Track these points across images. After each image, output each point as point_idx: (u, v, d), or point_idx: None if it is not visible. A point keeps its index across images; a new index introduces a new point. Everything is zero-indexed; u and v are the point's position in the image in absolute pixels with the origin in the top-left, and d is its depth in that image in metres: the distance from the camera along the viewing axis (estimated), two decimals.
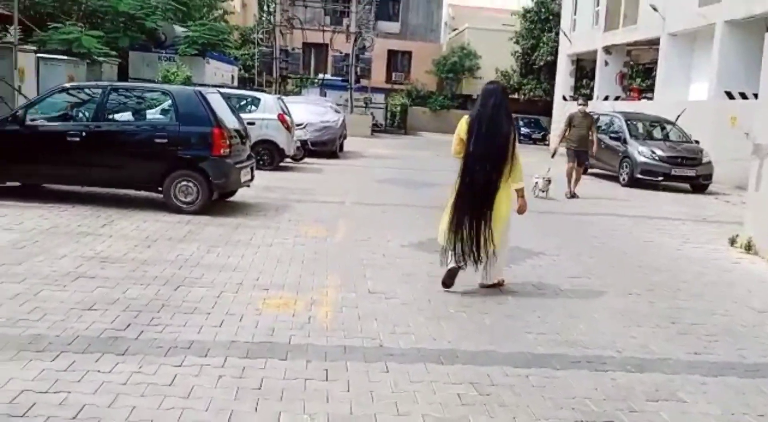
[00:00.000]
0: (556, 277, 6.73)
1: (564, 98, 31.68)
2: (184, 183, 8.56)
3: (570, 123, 13.27)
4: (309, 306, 5.16)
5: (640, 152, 16.04)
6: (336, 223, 8.70)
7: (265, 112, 14.42)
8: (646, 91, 29.49)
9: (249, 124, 14.10)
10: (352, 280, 6.00)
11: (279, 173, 13.97)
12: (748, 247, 8.72)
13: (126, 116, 9.20)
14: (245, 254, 6.67)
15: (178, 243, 6.93)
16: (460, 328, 4.94)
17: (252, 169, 9.60)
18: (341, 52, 35.78)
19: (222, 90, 14.88)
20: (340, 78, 35.68)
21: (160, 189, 8.70)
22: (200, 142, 8.61)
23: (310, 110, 18.70)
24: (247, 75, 39.35)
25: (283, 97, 17.37)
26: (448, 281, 5.92)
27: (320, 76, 38.79)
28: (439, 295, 5.77)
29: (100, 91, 9.05)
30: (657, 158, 15.81)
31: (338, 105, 33.61)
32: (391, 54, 47.36)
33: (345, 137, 21.09)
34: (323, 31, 36.73)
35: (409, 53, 47.79)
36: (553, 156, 13.46)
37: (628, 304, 5.95)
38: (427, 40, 48.48)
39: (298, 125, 16.58)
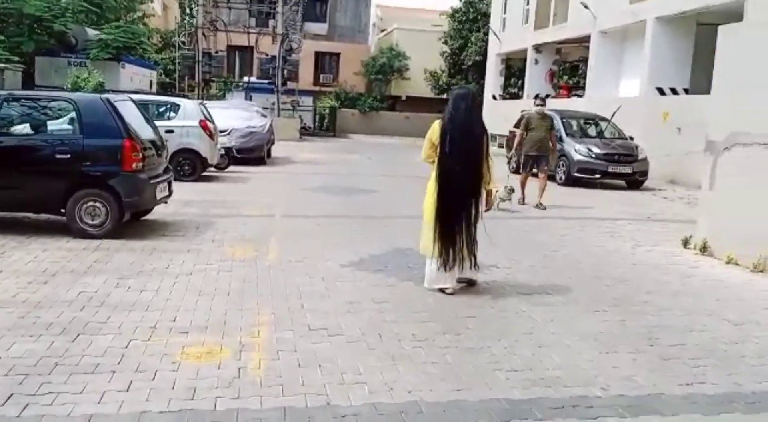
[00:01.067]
0: (514, 295, 6.07)
1: (494, 97, 31.55)
2: (90, 203, 7.52)
3: (527, 126, 11.82)
4: (238, 354, 4.31)
5: (577, 150, 15.73)
6: (266, 241, 7.83)
7: (186, 119, 13.37)
8: (575, 88, 29.64)
9: (168, 132, 13.10)
10: (288, 314, 5.17)
11: (202, 184, 12.95)
12: (704, 249, 8.31)
13: (24, 129, 8.06)
14: (161, 287, 5.74)
15: (81, 277, 5.93)
16: (419, 371, 4.18)
17: (170, 184, 8.62)
18: (267, 55, 34.65)
19: (137, 96, 13.84)
20: (266, 81, 34.53)
21: (63, 211, 7.63)
22: (109, 157, 7.57)
23: (235, 115, 17.65)
24: (168, 79, 37.73)
25: (206, 102, 16.29)
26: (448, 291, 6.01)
27: (246, 79, 37.50)
28: (389, 327, 5.00)
29: None
30: (594, 156, 15.53)
31: (265, 109, 32.65)
32: (319, 55, 46.41)
33: (273, 142, 20.08)
34: (248, 32, 35.47)
35: (338, 55, 46.95)
36: (514, 165, 12.83)
37: (598, 325, 5.34)
38: (355, 42, 47.79)
39: (221, 131, 15.54)
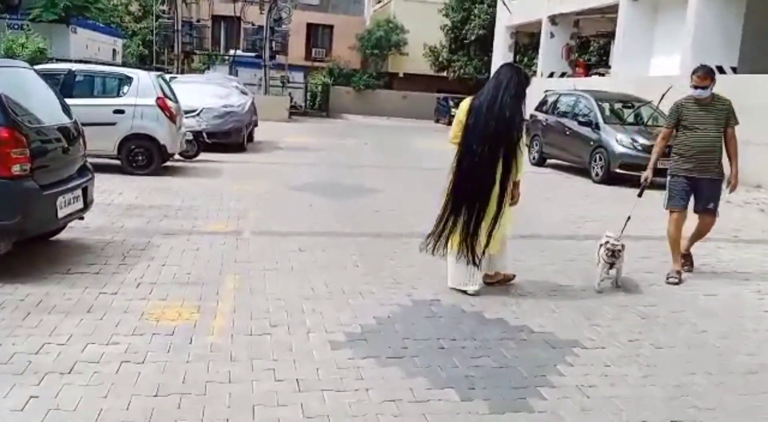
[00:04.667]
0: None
1: None
2: None
3: (677, 121, 6.22)
4: None
5: (619, 141, 13.06)
6: (218, 286, 5.17)
7: (139, 96, 10.60)
8: (593, 66, 26.94)
9: (116, 112, 10.46)
10: None
11: (158, 180, 10.24)
12: None
13: None
14: (6, 409, 3.11)
15: None
16: None
17: (86, 192, 5.93)
18: (254, 25, 31.70)
19: (77, 66, 11.11)
20: (253, 54, 31.63)
21: None
22: None
23: (208, 92, 14.92)
24: (147, 52, 34.77)
25: (168, 76, 13.53)
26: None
27: (231, 52, 34.52)
28: None
29: None
30: (640, 148, 12.87)
31: (252, 85, 29.81)
32: (311, 28, 43.42)
33: (255, 124, 17.36)
34: (234, 1, 32.46)
35: (331, 27, 43.94)
36: (641, 193, 6.36)
37: None
38: (350, 14, 44.82)
39: (189, 112, 12.83)
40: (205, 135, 13.06)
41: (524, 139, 5.33)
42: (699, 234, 6.51)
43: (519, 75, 5.28)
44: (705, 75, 6.01)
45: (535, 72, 25.30)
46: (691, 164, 6.11)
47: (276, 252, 6.30)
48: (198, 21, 31.84)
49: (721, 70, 16.52)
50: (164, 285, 5.11)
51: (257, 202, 8.95)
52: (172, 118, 10.81)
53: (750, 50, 16.81)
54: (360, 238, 7.16)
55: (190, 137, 12.34)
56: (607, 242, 5.58)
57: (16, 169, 4.95)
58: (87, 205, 6.00)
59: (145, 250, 6.10)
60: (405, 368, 3.86)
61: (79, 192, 5.79)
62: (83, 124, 10.18)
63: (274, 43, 31.00)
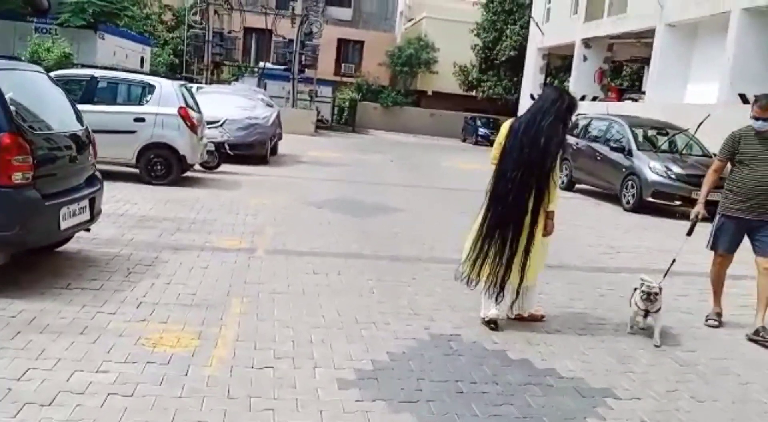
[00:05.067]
0: None
1: (532, 97, 28.32)
2: None
3: (732, 152, 5.48)
4: None
5: (652, 168, 12.59)
6: (223, 311, 4.84)
7: (161, 105, 10.40)
8: (626, 90, 26.45)
9: (137, 120, 10.27)
10: None
11: (176, 190, 10.00)
12: None
13: None
14: None
15: None
16: None
17: (93, 203, 5.65)
18: (285, 38, 31.70)
19: (100, 72, 10.97)
20: (282, 67, 31.59)
21: None
22: None
23: (232, 103, 14.71)
24: (177, 61, 34.90)
25: (193, 85, 13.36)
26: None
27: (261, 64, 34.52)
28: None
29: None
30: (674, 177, 12.39)
31: (279, 97, 29.73)
32: (342, 43, 43.46)
33: (280, 137, 17.15)
34: (266, 13, 32.50)
35: (361, 43, 43.95)
36: (690, 233, 5.53)
37: None
38: (380, 30, 44.77)
39: (211, 123, 12.63)
40: (227, 146, 12.83)
41: (558, 169, 4.90)
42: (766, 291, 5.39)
43: (562, 98, 4.92)
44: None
45: None
46: (746, 204, 5.38)
47: (288, 273, 5.97)
48: (229, 32, 31.88)
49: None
50: (166, 306, 4.80)
51: (274, 218, 8.65)
52: (193, 128, 10.59)
53: None
54: (378, 261, 6.81)
55: (212, 148, 12.12)
56: (642, 284, 5.03)
57: (17, 177, 4.68)
58: (93, 216, 5.73)
59: (152, 266, 5.81)
60: (419, 414, 3.48)
61: (85, 202, 5.52)
62: (103, 132, 10.04)
63: (303, 57, 30.96)
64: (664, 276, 5.20)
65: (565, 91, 5.16)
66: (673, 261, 5.36)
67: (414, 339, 4.57)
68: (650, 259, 8.29)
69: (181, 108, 10.46)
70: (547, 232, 4.98)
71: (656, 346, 4.87)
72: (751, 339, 5.29)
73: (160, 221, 7.75)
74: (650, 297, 4.96)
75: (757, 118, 5.34)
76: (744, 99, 16.01)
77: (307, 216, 9.03)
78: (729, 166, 5.59)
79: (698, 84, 18.39)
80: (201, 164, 11.96)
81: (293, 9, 31.22)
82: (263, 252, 6.72)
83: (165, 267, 5.80)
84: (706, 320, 5.62)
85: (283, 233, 7.73)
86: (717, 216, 5.60)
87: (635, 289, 5.10)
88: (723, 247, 5.56)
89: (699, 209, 5.49)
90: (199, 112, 11.33)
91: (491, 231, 4.90)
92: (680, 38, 18.74)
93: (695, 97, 18.26)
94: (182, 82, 11.58)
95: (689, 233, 5.44)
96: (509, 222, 4.86)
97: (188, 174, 11.37)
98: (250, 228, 7.80)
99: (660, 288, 5.01)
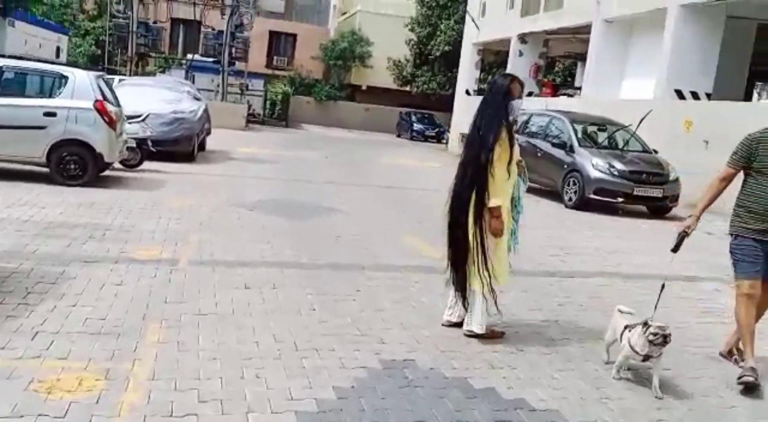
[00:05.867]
0: None
1: (467, 92, 28.15)
2: None
3: (749, 156, 4.49)
4: None
5: (595, 165, 12.34)
6: (137, 339, 4.11)
7: (74, 98, 9.43)
8: (560, 86, 26.52)
9: (48, 114, 9.31)
10: None
11: (91, 192, 9.07)
12: None
13: None
14: None
15: None
16: None
17: None
18: (214, 29, 30.53)
19: (6, 62, 9.93)
20: (212, 59, 30.41)
21: None
22: None
23: (157, 96, 13.72)
24: (99, 52, 33.21)
25: (115, 77, 12.37)
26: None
27: (189, 56, 33.19)
28: None
29: None
30: (616, 173, 12.18)
31: (208, 91, 28.57)
32: (274, 36, 42.38)
33: (208, 132, 16.24)
34: (195, 4, 31.22)
35: (294, 36, 42.97)
36: (676, 248, 4.51)
37: None
38: (314, 23, 43.95)
39: (132, 117, 11.71)
40: (150, 143, 11.89)
41: (503, 160, 4.50)
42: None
43: (497, 85, 4.68)
44: None
45: None
46: (766, 224, 4.41)
47: (216, 289, 5.27)
48: (155, 22, 30.52)
49: (695, 96, 16.09)
50: (69, 335, 4.04)
51: (201, 222, 7.88)
52: (111, 123, 9.66)
53: (724, 76, 16.42)
54: (318, 271, 6.17)
55: (133, 144, 11.18)
56: (647, 325, 4.02)
57: None
58: None
59: (56, 284, 5.00)
60: None
61: None
62: (8, 127, 9.04)
63: (234, 49, 29.92)
64: (655, 308, 4.29)
65: (506, 77, 4.78)
66: (663, 287, 4.40)
67: (364, 369, 3.97)
68: (602, 262, 7.95)
69: (97, 101, 9.52)
70: (492, 231, 4.56)
71: (658, 398, 3.97)
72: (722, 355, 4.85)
73: (71, 228, 6.88)
74: (664, 340, 4.00)
75: None
76: (680, 95, 16.05)
77: (237, 220, 8.29)
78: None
79: (634, 80, 18.37)
80: (121, 162, 11.03)
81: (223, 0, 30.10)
82: (187, 264, 5.97)
83: (71, 286, 5.00)
84: (739, 379, 4.25)
85: (210, 240, 6.98)
86: (731, 239, 4.57)
87: (627, 327, 4.22)
88: (747, 270, 4.42)
89: (690, 223, 4.46)
90: (119, 105, 10.39)
91: (447, 233, 4.75)
92: (617, 34, 18.68)
93: (631, 92, 18.24)
94: (99, 73, 10.59)
95: (675, 249, 4.46)
96: (457, 223, 4.65)
97: (106, 173, 10.44)
98: (173, 235, 7.03)
99: (665, 331, 4.02)
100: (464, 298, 4.69)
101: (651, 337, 4.00)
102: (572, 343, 4.83)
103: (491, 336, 4.69)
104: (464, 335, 4.67)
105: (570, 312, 5.61)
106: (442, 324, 4.85)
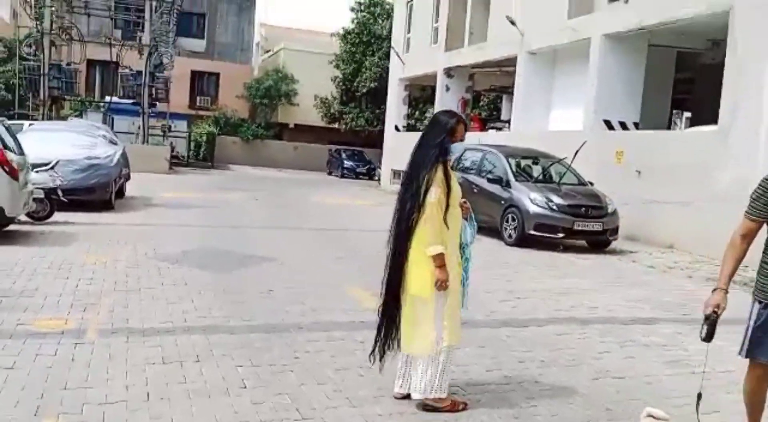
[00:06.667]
0: None
1: (397, 128, 27.92)
2: None
3: None
4: None
5: (533, 200, 12.06)
6: None
7: None
8: (488, 120, 26.59)
9: None
10: None
11: None
12: None
13: None
14: None
15: None
16: None
17: None
18: (132, 70, 29.40)
19: None
20: (131, 101, 29.25)
21: None
22: None
23: (69, 141, 12.75)
24: (9, 96, 31.53)
25: (25, 123, 11.41)
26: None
27: (107, 99, 31.88)
28: None
29: None
30: (555, 208, 11.92)
31: (128, 134, 27.43)
32: (196, 75, 41.41)
33: (127, 177, 15.27)
34: (110, 45, 30.04)
35: (217, 75, 42.09)
36: (709, 336, 3.39)
37: None
38: (237, 61, 43.18)
39: (40, 165, 10.76)
40: (60, 192, 10.93)
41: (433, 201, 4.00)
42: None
43: (444, 123, 4.23)
44: None
45: None
46: None
47: (128, 367, 4.50)
48: (69, 64, 29.18)
49: (624, 126, 16.19)
50: None
51: (116, 281, 7.05)
52: (12, 173, 8.75)
53: (649, 105, 16.62)
54: (249, 335, 5.46)
55: (41, 195, 10.22)
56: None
57: None
58: None
59: None
60: None
61: None
62: None
63: (154, 90, 28.95)
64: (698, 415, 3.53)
65: (452, 114, 4.36)
66: (699, 396, 3.57)
67: None
68: (555, 305, 7.50)
69: None
70: (436, 284, 3.99)
71: None
72: None
73: None
74: None
75: None
76: (609, 125, 16.11)
77: (157, 277, 7.47)
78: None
79: (562, 110, 18.42)
80: (28, 214, 10.06)
81: (140, 39, 29.10)
82: (96, 335, 5.17)
83: None
84: None
85: (124, 303, 6.17)
86: (754, 306, 3.51)
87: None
88: (764, 353, 3.45)
89: (720, 300, 3.41)
90: (22, 153, 9.47)
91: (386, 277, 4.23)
92: (541, 65, 18.76)
93: (560, 123, 18.26)
94: (0, 119, 9.66)
95: (707, 339, 3.39)
96: (392, 274, 4.18)
97: (10, 228, 9.45)
98: (82, 299, 6.19)
99: None
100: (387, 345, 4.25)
101: None
102: (540, 409, 4.29)
103: (452, 407, 4.10)
104: (423, 410, 4.05)
105: (533, 370, 5.08)
106: (394, 397, 4.24)
